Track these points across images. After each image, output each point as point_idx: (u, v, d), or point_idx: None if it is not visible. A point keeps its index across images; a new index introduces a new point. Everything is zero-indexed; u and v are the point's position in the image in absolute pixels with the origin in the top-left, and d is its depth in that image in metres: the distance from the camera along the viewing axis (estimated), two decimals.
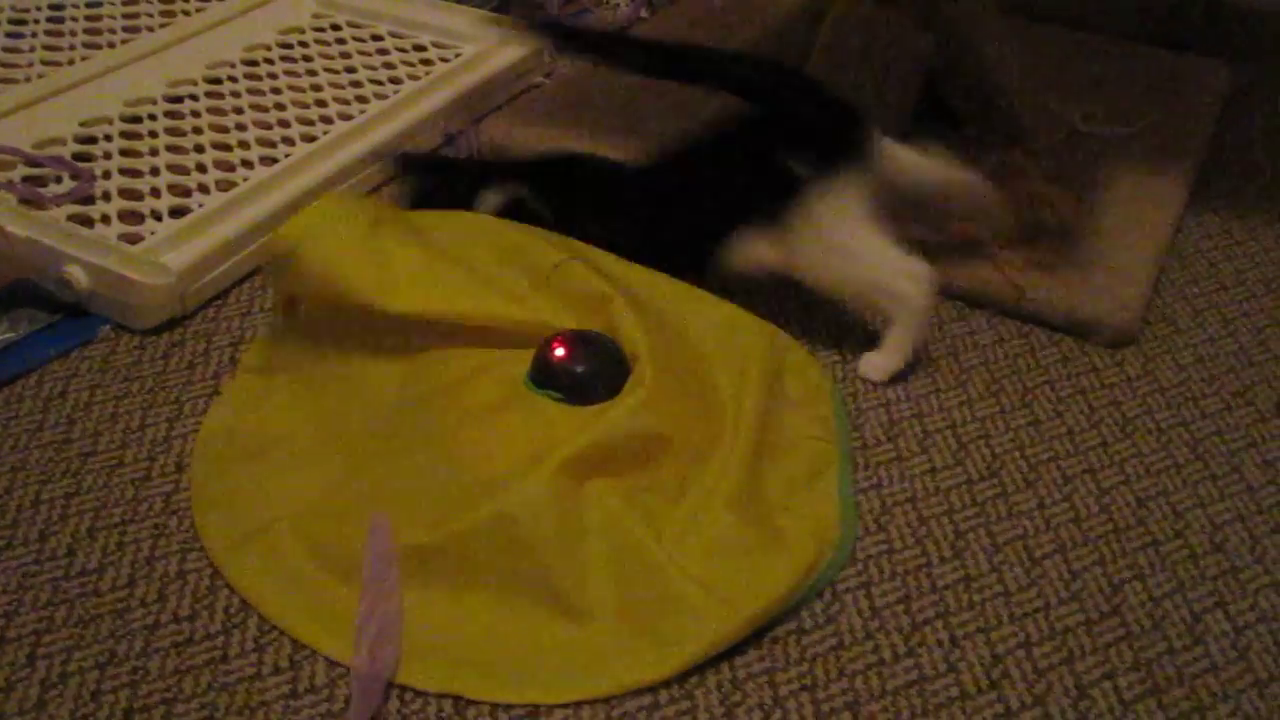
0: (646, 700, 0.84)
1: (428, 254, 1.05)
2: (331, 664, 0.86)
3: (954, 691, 0.86)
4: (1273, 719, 0.85)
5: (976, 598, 0.92)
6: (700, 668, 0.86)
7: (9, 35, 1.55)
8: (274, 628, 0.88)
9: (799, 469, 1.00)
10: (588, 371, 0.99)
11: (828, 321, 1.17)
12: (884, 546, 0.96)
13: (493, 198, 1.15)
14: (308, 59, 1.53)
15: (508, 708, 0.84)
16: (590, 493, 0.92)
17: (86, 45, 1.54)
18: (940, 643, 0.89)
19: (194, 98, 1.43)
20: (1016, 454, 1.05)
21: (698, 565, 0.90)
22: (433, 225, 1.10)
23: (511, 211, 1.14)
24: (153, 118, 1.39)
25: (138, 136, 1.36)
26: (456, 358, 1.03)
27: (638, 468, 0.95)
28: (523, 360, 1.01)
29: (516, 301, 1.04)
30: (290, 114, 1.41)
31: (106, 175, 1.28)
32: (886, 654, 0.88)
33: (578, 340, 1.01)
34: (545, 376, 0.99)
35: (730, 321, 1.11)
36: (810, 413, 1.06)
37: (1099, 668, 0.88)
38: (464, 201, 1.16)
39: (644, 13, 1.74)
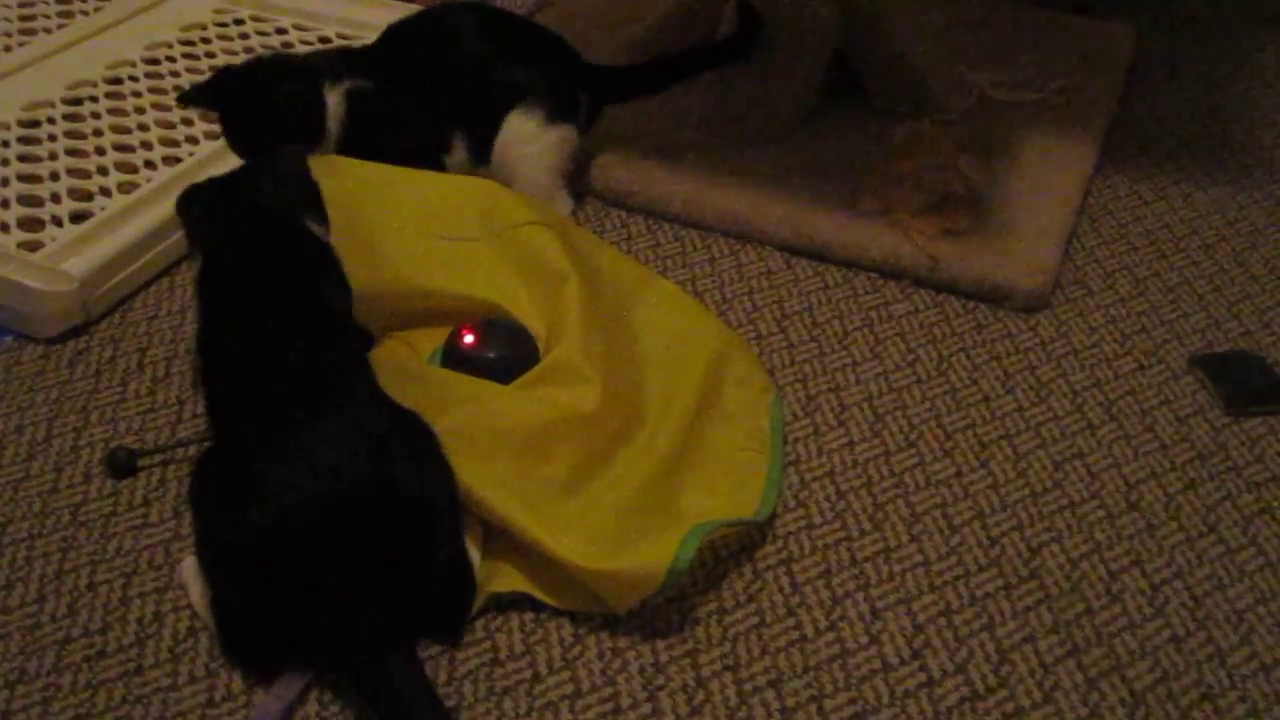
0: (569, 690, 0.84)
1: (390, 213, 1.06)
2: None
3: (876, 664, 0.86)
4: (1189, 673, 0.86)
5: (897, 568, 0.93)
6: (621, 651, 0.86)
7: None
8: (189, 636, 0.87)
9: (723, 480, 0.98)
10: (498, 358, 0.99)
11: (779, 323, 1.17)
12: (803, 522, 0.96)
13: None
14: (211, 55, 1.50)
15: None
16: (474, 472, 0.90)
17: None
18: (861, 615, 0.89)
19: (94, 99, 1.40)
20: (933, 423, 1.05)
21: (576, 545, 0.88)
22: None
23: None
24: (51, 121, 1.36)
25: (36, 141, 1.33)
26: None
27: (531, 457, 0.93)
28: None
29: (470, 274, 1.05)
30: (194, 111, 1.38)
31: (5, 182, 1.25)
32: (808, 629, 0.88)
33: (488, 327, 1.01)
34: (454, 362, 0.99)
35: (681, 330, 1.08)
36: (746, 426, 1.03)
37: (1019, 632, 0.88)
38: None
39: None
